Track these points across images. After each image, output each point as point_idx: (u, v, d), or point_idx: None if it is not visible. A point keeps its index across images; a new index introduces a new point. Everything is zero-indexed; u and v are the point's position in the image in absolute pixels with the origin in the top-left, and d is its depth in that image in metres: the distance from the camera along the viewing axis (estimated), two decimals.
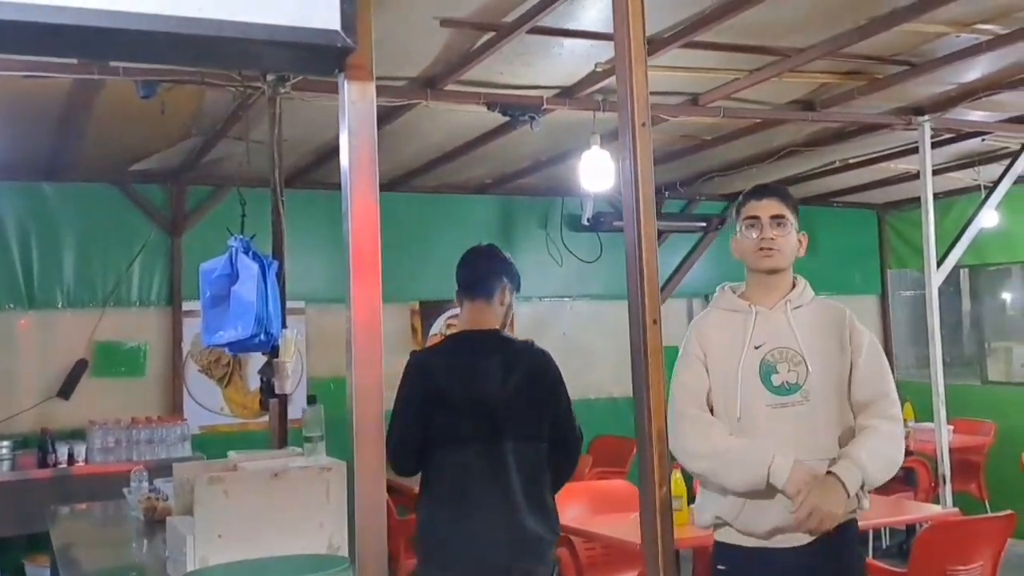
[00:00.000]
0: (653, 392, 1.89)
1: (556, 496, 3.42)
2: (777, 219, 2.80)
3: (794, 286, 2.84)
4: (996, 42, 4.35)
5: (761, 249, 2.79)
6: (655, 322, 1.90)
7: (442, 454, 3.29)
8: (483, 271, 3.47)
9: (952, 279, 8.50)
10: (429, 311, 7.33)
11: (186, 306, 6.60)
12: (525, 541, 3.24)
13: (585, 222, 7.46)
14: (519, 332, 7.56)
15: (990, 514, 4.89)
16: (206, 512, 3.02)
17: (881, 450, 2.62)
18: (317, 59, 1.67)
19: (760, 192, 2.89)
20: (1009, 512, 4.13)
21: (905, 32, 4.29)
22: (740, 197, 2.95)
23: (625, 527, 4.44)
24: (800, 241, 2.87)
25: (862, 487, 2.62)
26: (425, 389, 3.29)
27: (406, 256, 7.17)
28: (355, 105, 1.64)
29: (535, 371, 3.34)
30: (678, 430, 2.62)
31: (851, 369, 2.72)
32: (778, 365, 2.69)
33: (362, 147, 1.65)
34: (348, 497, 1.69)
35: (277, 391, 4.21)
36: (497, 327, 3.43)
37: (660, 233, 7.94)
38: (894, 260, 8.82)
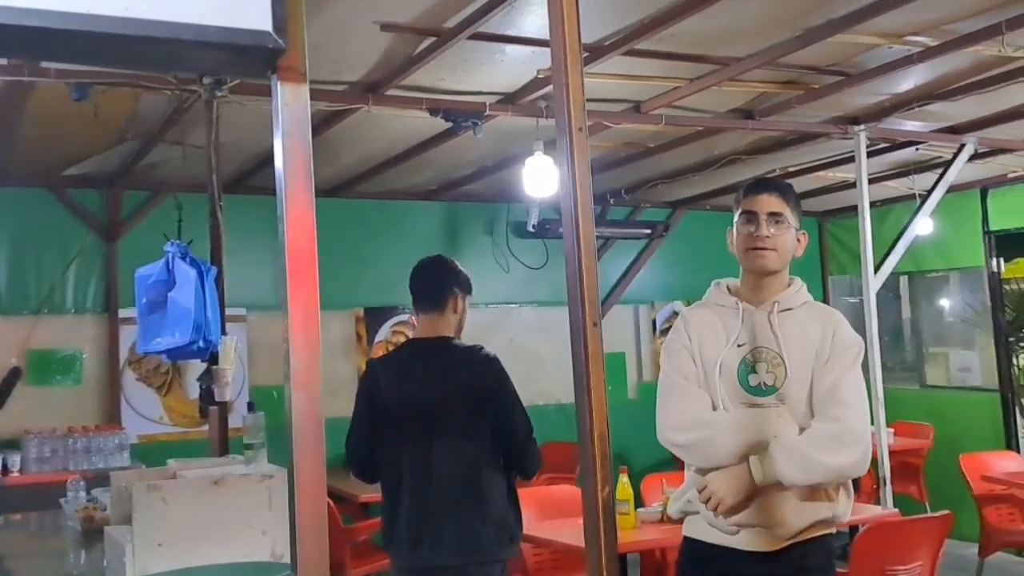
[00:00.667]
0: (594, 395, 1.89)
1: (516, 503, 3.50)
2: (775, 216, 2.66)
3: (788, 286, 2.72)
4: (927, 53, 4.45)
5: (754, 248, 2.65)
6: (595, 325, 1.90)
7: (385, 455, 3.49)
8: (432, 283, 3.62)
9: (892, 286, 8.68)
10: (374, 318, 7.28)
11: (123, 313, 6.47)
12: (456, 539, 3.35)
13: (531, 228, 7.47)
14: (467, 339, 7.58)
15: (928, 514, 4.98)
16: (145, 520, 2.98)
17: (801, 449, 2.49)
18: (248, 61, 1.65)
19: (760, 186, 2.74)
20: (946, 512, 4.21)
21: (840, 43, 4.37)
22: (740, 191, 2.80)
23: (573, 532, 4.45)
24: (799, 240, 2.72)
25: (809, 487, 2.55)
26: (370, 394, 3.54)
27: (351, 263, 7.14)
28: (288, 107, 1.62)
29: (474, 373, 3.45)
30: (670, 402, 2.61)
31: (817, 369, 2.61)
32: (757, 365, 2.61)
33: (296, 149, 1.63)
34: (291, 504, 1.66)
35: (217, 399, 4.15)
36: (449, 335, 3.58)
37: (605, 240, 8.07)
38: (834, 267, 8.97)
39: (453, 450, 3.40)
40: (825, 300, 8.95)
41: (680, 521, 2.78)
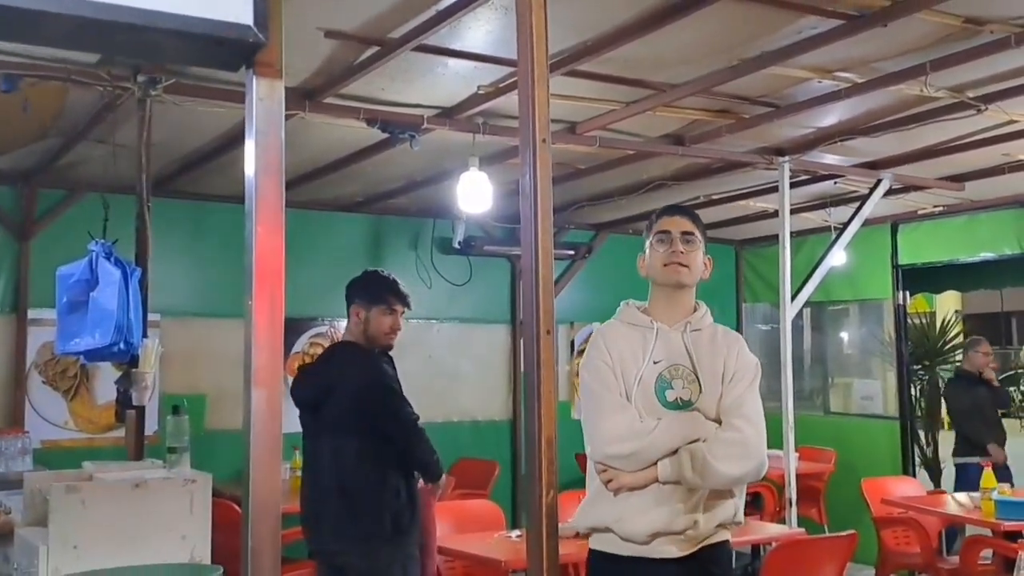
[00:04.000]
0: (544, 401, 1.91)
1: (410, 495, 3.84)
2: (687, 236, 2.91)
3: (695, 309, 2.94)
4: (853, 90, 4.61)
5: (671, 264, 2.87)
6: (548, 332, 1.93)
7: (302, 449, 4.04)
8: (345, 295, 4.11)
9: (799, 315, 8.93)
10: (293, 328, 7.18)
11: (32, 314, 6.27)
12: (332, 528, 3.78)
13: (456, 245, 7.48)
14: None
15: (835, 534, 5.14)
16: (61, 522, 2.92)
17: (705, 457, 2.67)
18: (225, 53, 1.62)
19: (672, 210, 3.02)
20: (851, 532, 4.35)
21: (773, 75, 4.51)
22: (652, 216, 3.04)
23: (484, 545, 4.50)
24: (706, 264, 2.97)
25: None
26: (291, 394, 4.03)
27: None
28: (263, 103, 1.61)
29: (352, 373, 3.86)
30: (603, 416, 2.76)
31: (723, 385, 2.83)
32: (673, 381, 2.79)
33: (270, 147, 1.61)
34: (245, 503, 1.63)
35: (135, 402, 4.04)
36: (351, 340, 4.03)
37: None
38: (749, 294, 9.18)
39: (333, 444, 3.80)
40: (739, 327, 9.16)
41: (587, 535, 2.91)
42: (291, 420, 4.09)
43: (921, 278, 8.23)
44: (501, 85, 4.53)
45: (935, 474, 9.06)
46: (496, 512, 5.12)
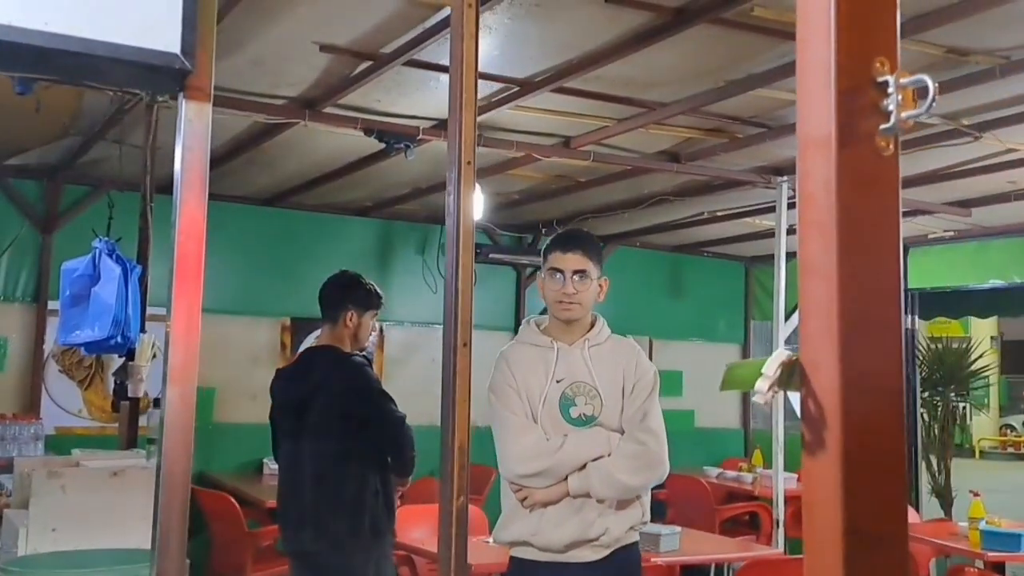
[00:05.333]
0: (458, 409, 2.04)
1: (387, 498, 3.90)
2: (579, 273, 3.01)
3: (592, 326, 3.07)
4: None
5: (561, 302, 3.01)
6: (465, 345, 2.06)
7: (278, 450, 4.08)
8: (329, 298, 4.12)
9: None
10: (300, 327, 7.36)
11: (52, 304, 6.49)
12: (314, 528, 3.82)
13: None
14: (388, 354, 7.71)
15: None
16: (42, 505, 3.08)
17: (610, 470, 2.85)
18: (159, 79, 1.78)
19: (565, 244, 3.08)
20: None
21: (761, 97, 4.59)
22: (548, 242, 3.16)
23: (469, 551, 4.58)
24: (600, 287, 3.09)
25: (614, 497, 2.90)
26: (271, 396, 4.12)
27: (283, 272, 7.23)
28: (191, 124, 1.76)
29: (341, 378, 3.91)
30: (511, 438, 2.90)
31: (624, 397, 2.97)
32: (576, 398, 2.93)
33: (194, 163, 1.76)
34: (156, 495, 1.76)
35: (130, 394, 4.23)
36: (334, 344, 4.02)
37: (536, 268, 8.23)
38: (757, 312, 9.21)
39: (315, 446, 3.85)
40: (746, 344, 9.21)
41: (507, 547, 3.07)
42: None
43: (931, 302, 8.21)
44: (493, 100, 4.66)
45: (946, 503, 8.96)
46: (480, 517, 5.22)
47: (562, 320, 3.03)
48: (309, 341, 7.42)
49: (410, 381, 7.01)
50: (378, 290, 4.22)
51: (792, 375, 0.88)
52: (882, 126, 0.84)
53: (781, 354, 0.91)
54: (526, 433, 2.89)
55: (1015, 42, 3.81)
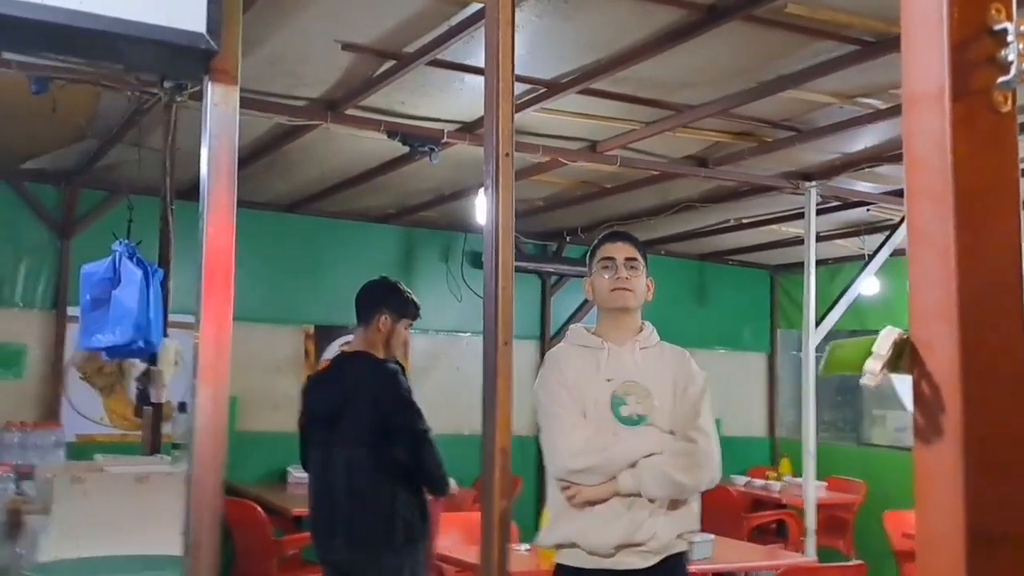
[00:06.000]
0: (500, 410, 1.95)
1: (420, 505, 3.82)
2: (631, 261, 3.02)
3: (642, 329, 3.05)
4: (876, 116, 4.58)
5: (615, 289, 2.98)
6: (506, 344, 1.97)
7: (307, 457, 3.98)
8: (364, 301, 4.02)
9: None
10: (324, 335, 7.28)
11: (71, 311, 6.44)
12: (347, 536, 3.75)
13: None
14: (413, 362, 7.62)
15: (842, 563, 5.07)
16: (64, 511, 3.02)
17: (662, 468, 2.80)
18: (183, 60, 1.70)
19: (615, 236, 3.12)
20: (859, 563, 4.30)
21: (792, 99, 4.50)
22: (595, 242, 3.16)
23: None
24: (648, 286, 3.07)
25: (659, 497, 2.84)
26: (302, 402, 4.06)
27: (305, 279, 7.17)
28: (217, 108, 1.68)
29: (370, 384, 3.81)
30: (561, 434, 2.86)
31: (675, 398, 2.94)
32: (627, 398, 2.89)
33: (222, 151, 1.68)
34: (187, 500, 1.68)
35: (153, 400, 4.17)
36: (367, 350, 3.94)
37: (560, 276, 8.15)
38: (783, 321, 9.09)
39: (348, 454, 3.76)
40: (772, 353, 9.09)
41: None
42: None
43: None
44: (519, 102, 4.57)
45: None
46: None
47: (617, 308, 3.00)
48: (334, 347, 7.38)
49: (435, 390, 6.92)
50: (416, 300, 4.11)
51: (901, 356, 0.79)
52: (1000, 79, 0.75)
53: (892, 332, 0.82)
54: (576, 429, 2.85)
55: None
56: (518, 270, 7.20)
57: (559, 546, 2.91)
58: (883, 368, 0.82)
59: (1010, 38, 0.75)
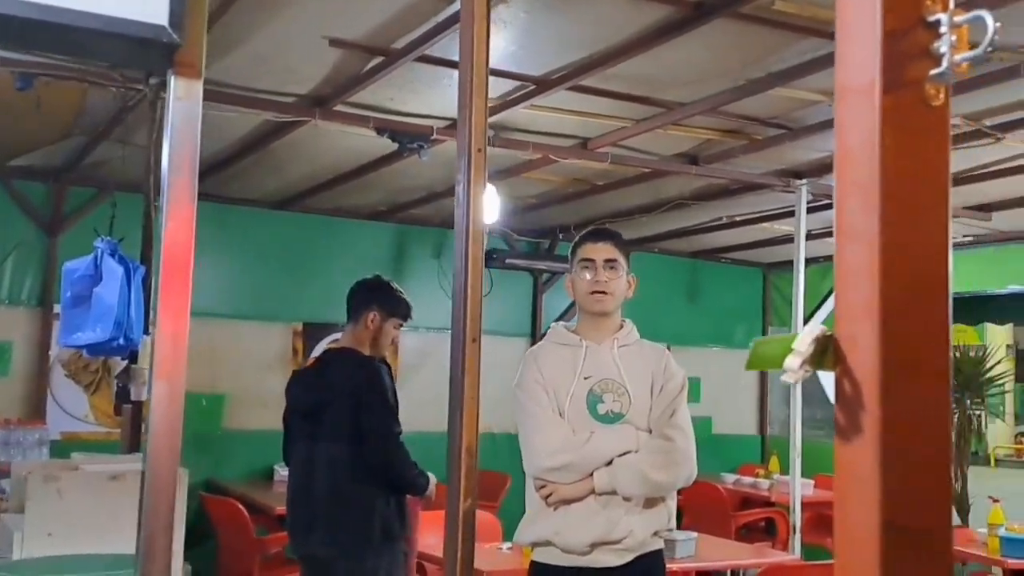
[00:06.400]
0: (467, 408, 1.94)
1: (399, 504, 3.83)
2: (610, 263, 3.00)
3: (621, 327, 3.04)
4: None
5: (594, 292, 2.97)
6: (474, 341, 1.95)
7: (288, 452, 4.01)
8: (354, 299, 4.05)
9: None
10: (313, 333, 7.26)
11: (57, 308, 6.42)
12: (320, 531, 3.76)
13: None
14: (403, 360, 7.60)
15: (823, 562, 5.07)
16: (37, 510, 3.00)
17: (635, 465, 2.81)
18: (146, 53, 1.68)
19: (595, 236, 3.10)
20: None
21: (781, 97, 4.48)
22: (576, 239, 3.14)
23: (481, 557, 4.50)
24: (629, 283, 3.06)
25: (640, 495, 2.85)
26: (286, 399, 4.09)
27: (295, 277, 7.15)
28: (180, 101, 1.66)
29: (351, 380, 3.82)
30: (537, 432, 2.86)
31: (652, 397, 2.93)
32: (604, 395, 2.89)
33: (184, 145, 1.65)
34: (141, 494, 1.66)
35: (133, 397, 4.15)
36: (354, 347, 3.95)
37: (552, 274, 8.13)
38: (776, 318, 9.08)
39: (327, 450, 3.78)
40: None
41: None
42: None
43: (955, 308, 8.05)
44: (508, 99, 4.56)
45: (963, 510, 8.85)
46: (493, 524, 5.13)
47: (594, 312, 3.00)
48: (323, 344, 7.37)
49: (424, 387, 6.89)
50: (408, 301, 4.10)
51: (825, 352, 0.78)
52: (932, 71, 0.74)
53: (814, 328, 0.80)
54: (552, 427, 2.85)
55: None
56: (510, 267, 7.22)
57: (535, 544, 2.92)
58: (803, 365, 0.81)
59: (943, 29, 0.73)
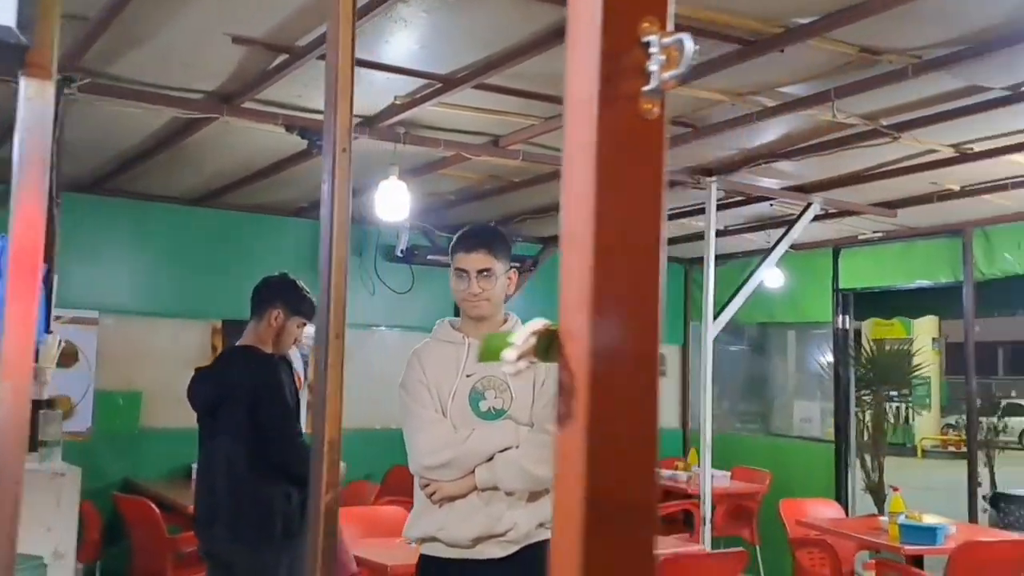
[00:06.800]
0: (330, 402, 1.98)
1: (301, 500, 3.77)
2: (484, 272, 3.00)
3: (505, 322, 3.08)
4: (764, 113, 4.69)
5: (467, 301, 3.01)
6: (338, 337, 2.00)
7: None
8: (258, 295, 4.07)
9: (751, 336, 9.00)
10: (232, 330, 7.18)
11: None
12: (222, 527, 3.80)
13: (399, 254, 7.55)
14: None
15: (724, 551, 5.20)
16: None
17: (518, 462, 2.85)
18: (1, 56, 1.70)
19: (468, 244, 3.06)
20: (739, 550, 4.41)
21: (685, 96, 4.57)
22: (453, 240, 3.14)
23: (381, 551, 4.56)
24: (510, 279, 3.09)
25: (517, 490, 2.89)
26: (187, 397, 4.08)
27: (214, 273, 7.10)
28: (31, 102, 1.68)
29: (253, 378, 3.84)
30: (419, 431, 2.90)
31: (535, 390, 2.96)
32: (486, 392, 2.94)
33: (34, 145, 1.68)
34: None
35: (33, 396, 4.11)
36: (255, 344, 3.97)
37: None
38: (696, 313, 9.22)
39: (225, 447, 3.79)
40: (685, 345, 9.23)
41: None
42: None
43: (861, 302, 8.28)
44: (417, 96, 4.60)
45: (879, 499, 9.09)
46: (405, 519, 5.17)
47: (472, 317, 3.04)
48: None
49: (347, 385, 6.86)
50: (313, 299, 4.11)
51: (551, 346, 0.84)
52: (645, 87, 0.80)
53: (536, 323, 0.87)
54: (434, 426, 2.90)
55: (925, 41, 3.83)
56: (431, 263, 7.22)
57: (422, 540, 2.98)
58: (522, 357, 0.88)
59: (653, 49, 0.80)
